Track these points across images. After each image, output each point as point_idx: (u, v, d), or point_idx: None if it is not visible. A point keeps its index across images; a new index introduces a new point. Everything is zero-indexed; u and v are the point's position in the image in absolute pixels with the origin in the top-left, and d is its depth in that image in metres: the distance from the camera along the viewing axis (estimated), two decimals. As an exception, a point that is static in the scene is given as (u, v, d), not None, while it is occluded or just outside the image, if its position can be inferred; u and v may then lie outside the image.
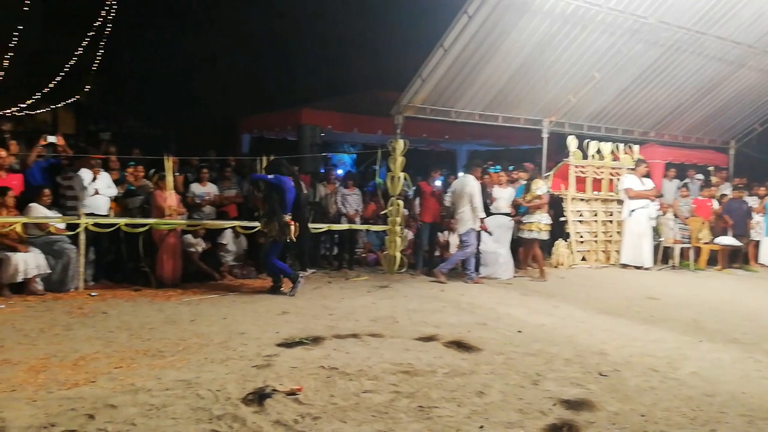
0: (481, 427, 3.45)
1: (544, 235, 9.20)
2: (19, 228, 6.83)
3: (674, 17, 9.79)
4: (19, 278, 6.68)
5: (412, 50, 11.23)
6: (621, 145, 11.46)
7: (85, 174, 7.48)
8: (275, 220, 7.00)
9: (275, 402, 3.70)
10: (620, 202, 11.06)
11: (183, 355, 4.67)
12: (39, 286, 6.87)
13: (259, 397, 3.75)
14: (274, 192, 7.07)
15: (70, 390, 3.82)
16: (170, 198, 7.78)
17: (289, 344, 5.07)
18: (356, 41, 16.39)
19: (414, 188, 9.87)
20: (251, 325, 5.73)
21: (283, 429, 3.32)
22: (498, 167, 9.35)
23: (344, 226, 9.34)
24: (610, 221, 11.18)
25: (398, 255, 9.23)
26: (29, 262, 6.73)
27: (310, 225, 8.87)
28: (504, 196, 9.27)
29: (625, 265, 10.72)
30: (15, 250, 6.67)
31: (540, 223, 9.01)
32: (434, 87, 9.32)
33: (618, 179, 11.16)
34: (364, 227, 9.73)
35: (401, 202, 9.33)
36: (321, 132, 9.58)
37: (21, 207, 7.07)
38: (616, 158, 11.35)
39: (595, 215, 11.07)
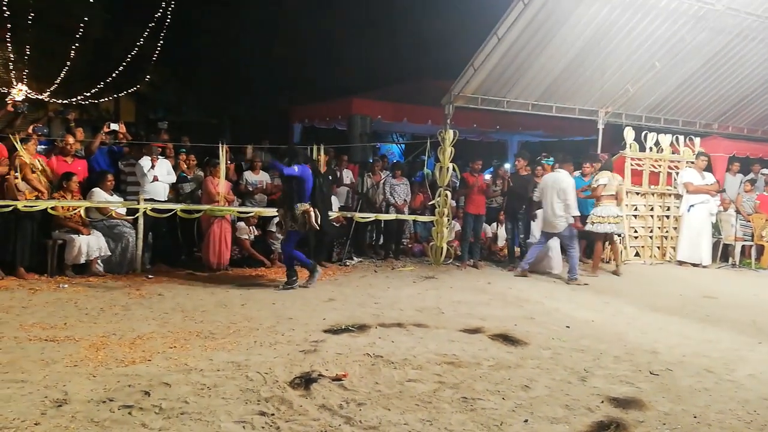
0: (526, 421, 3.42)
1: (617, 228, 8.89)
2: (82, 212, 7.18)
3: (743, 3, 9.27)
4: (82, 260, 7.02)
5: (464, 39, 11.09)
6: (681, 138, 10.99)
7: (145, 161, 7.77)
8: (291, 210, 6.73)
9: (321, 387, 3.78)
10: (678, 196, 10.63)
11: (233, 338, 4.81)
12: (100, 267, 7.21)
13: (305, 382, 3.83)
14: (291, 181, 6.76)
15: (128, 367, 4.01)
16: (221, 185, 8.00)
17: (335, 331, 5.16)
18: (407, 31, 16.32)
19: (460, 179, 9.78)
20: (299, 311, 5.85)
21: (329, 413, 3.39)
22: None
23: (391, 216, 9.37)
24: (667, 216, 10.77)
25: (445, 246, 9.19)
26: (91, 245, 7.07)
27: (358, 214, 8.96)
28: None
29: (681, 262, 10.31)
30: (78, 232, 7.01)
31: (611, 216, 8.71)
32: (486, 76, 9.18)
33: (677, 173, 10.73)
34: (411, 218, 9.74)
35: (449, 193, 9.28)
36: (371, 122, 9.60)
37: (85, 192, 7.42)
38: (675, 151, 10.90)
39: (651, 210, 10.69)
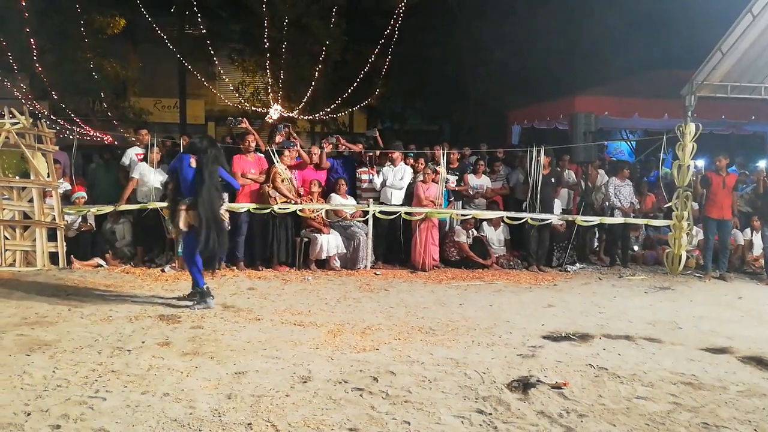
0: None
1: None
2: (323, 214, 8.12)
3: None
4: (323, 256, 7.93)
5: (706, 22, 9.78)
6: None
7: (386, 169, 8.44)
8: (172, 208, 5.74)
9: (539, 392, 3.70)
10: None
11: (452, 336, 4.98)
12: (336, 263, 8.06)
13: (523, 386, 3.79)
14: (172, 173, 5.85)
15: (359, 354, 4.42)
16: (430, 189, 8.29)
17: (554, 338, 5.00)
18: (636, 18, 14.95)
19: (700, 178, 8.63)
20: (516, 315, 5.80)
21: (547, 420, 3.30)
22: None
23: (618, 220, 8.69)
24: None
25: (683, 254, 8.22)
26: (330, 243, 7.95)
27: (580, 217, 8.51)
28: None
29: None
30: (320, 232, 7.94)
31: None
32: (738, 61, 8.00)
33: None
34: (642, 221, 8.91)
35: (689, 195, 8.28)
36: (596, 119, 9.02)
37: (325, 196, 8.37)
38: None
39: None
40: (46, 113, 11.89)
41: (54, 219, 7.19)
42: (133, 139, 8.64)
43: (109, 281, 6.71)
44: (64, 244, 7.32)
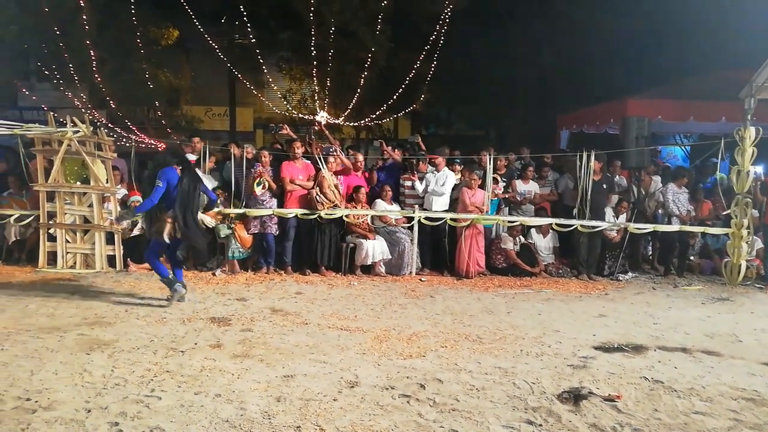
0: None
1: None
2: (368, 219, 8.15)
3: None
4: (369, 261, 7.96)
5: (765, 20, 9.35)
6: None
7: (430, 175, 8.43)
8: (152, 217, 5.85)
9: (591, 405, 3.60)
10: None
11: (500, 344, 4.91)
12: (381, 268, 8.07)
13: (574, 397, 3.70)
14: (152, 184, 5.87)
15: (406, 360, 4.41)
16: (476, 195, 8.20)
17: (606, 349, 4.86)
18: (690, 18, 14.42)
19: (760, 185, 8.25)
20: (566, 324, 5.67)
21: (600, 434, 3.22)
22: None
23: (673, 228, 8.39)
24: None
25: (743, 264, 7.86)
26: (375, 248, 7.97)
27: (633, 225, 8.27)
28: None
29: None
30: (365, 238, 7.97)
31: None
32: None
33: None
34: (698, 229, 8.57)
35: (749, 202, 7.92)
36: (648, 123, 8.74)
37: (369, 202, 8.41)
38: None
39: None
40: (103, 122, 12.40)
41: (112, 223, 7.49)
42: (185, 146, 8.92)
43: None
44: (122, 247, 7.62)
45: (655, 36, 14.91)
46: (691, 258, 9.03)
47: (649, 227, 8.38)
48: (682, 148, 14.52)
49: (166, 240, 5.74)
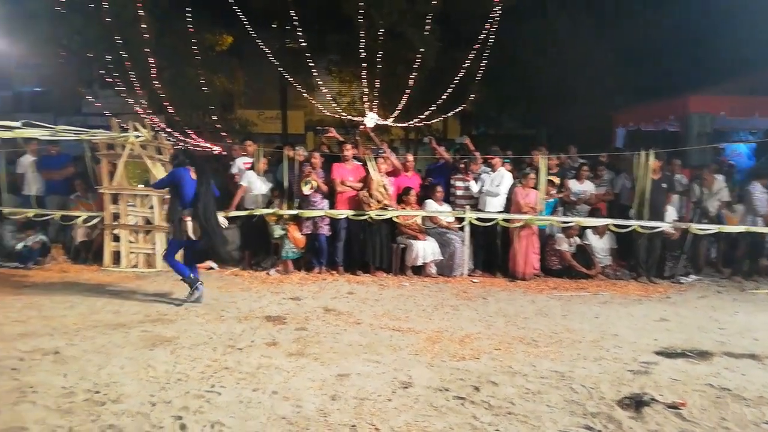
0: None
1: None
2: (419, 220, 8.14)
3: None
4: (419, 262, 7.94)
5: None
6: None
7: (485, 176, 8.35)
8: (173, 217, 6.08)
9: (654, 412, 3.48)
10: None
11: (556, 348, 4.80)
12: (432, 270, 8.03)
13: (636, 403, 3.58)
14: (172, 186, 6.12)
15: (459, 362, 4.37)
16: (529, 196, 8.04)
17: (668, 354, 4.69)
18: (754, 9, 13.69)
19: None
20: (625, 328, 5.49)
21: (664, 442, 3.10)
22: None
23: (739, 228, 7.99)
24: None
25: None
26: (426, 249, 7.94)
27: (695, 225, 7.93)
28: None
29: None
30: (416, 238, 7.96)
31: None
32: None
33: None
34: (766, 230, 8.14)
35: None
36: (711, 120, 8.38)
37: (420, 202, 8.39)
38: None
39: None
40: (161, 126, 12.87)
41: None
42: (238, 149, 9.14)
43: (220, 283, 7.13)
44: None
45: (716, 29, 14.26)
46: (764, 260, 8.56)
47: (714, 228, 8.01)
48: (747, 144, 13.83)
49: (192, 238, 5.90)
